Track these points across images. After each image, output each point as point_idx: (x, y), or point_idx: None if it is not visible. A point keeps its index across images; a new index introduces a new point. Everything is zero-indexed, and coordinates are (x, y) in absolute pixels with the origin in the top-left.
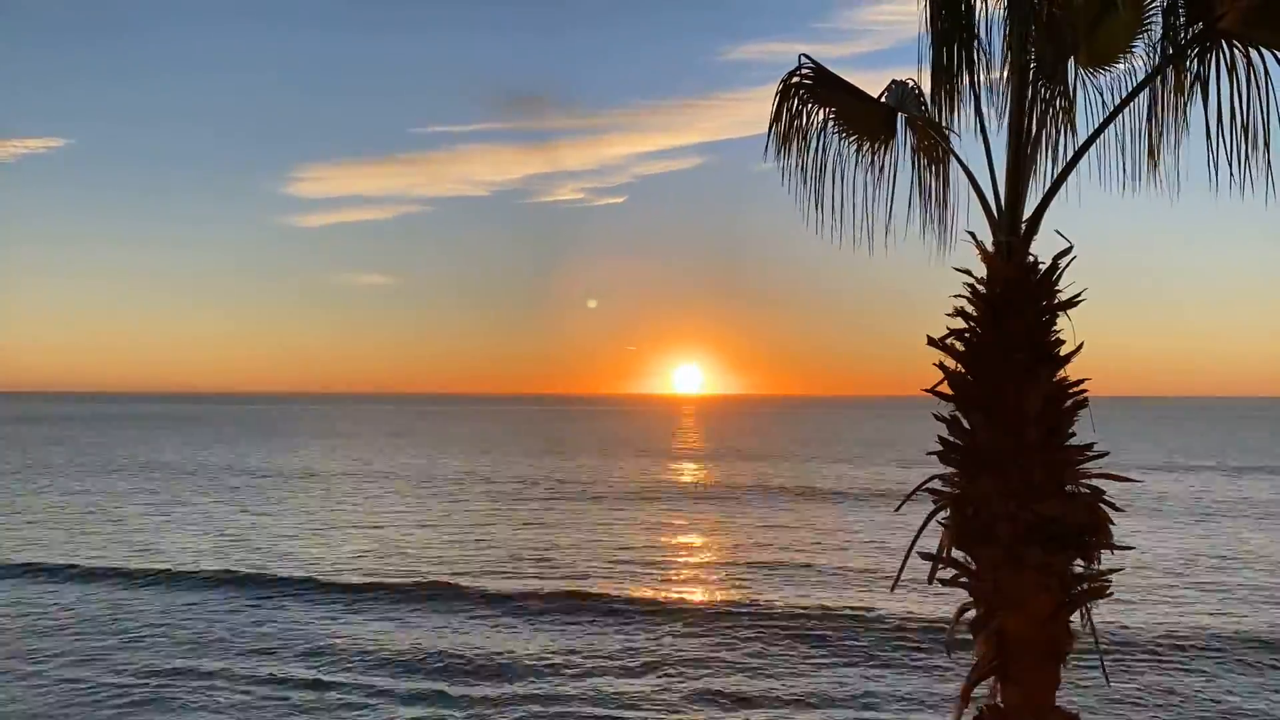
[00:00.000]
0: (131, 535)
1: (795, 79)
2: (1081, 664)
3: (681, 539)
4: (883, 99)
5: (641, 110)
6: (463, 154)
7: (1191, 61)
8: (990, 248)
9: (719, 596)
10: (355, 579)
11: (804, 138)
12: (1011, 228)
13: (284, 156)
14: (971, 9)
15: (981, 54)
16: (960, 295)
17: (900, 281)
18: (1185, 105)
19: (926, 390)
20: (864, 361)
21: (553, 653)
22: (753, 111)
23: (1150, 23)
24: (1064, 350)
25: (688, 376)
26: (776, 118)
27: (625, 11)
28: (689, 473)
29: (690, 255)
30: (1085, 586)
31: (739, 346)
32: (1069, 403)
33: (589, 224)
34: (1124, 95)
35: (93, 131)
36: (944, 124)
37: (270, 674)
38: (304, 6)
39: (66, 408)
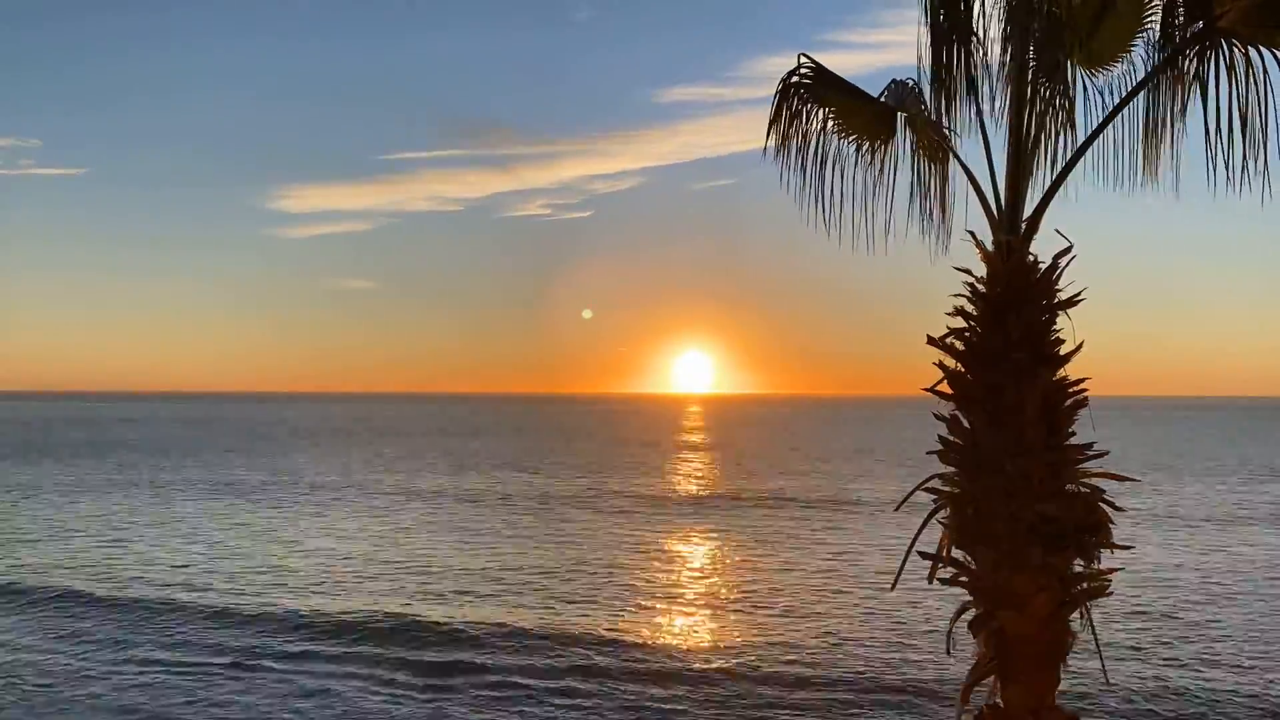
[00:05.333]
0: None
1: (795, 79)
2: (1081, 663)
3: None
4: (883, 99)
5: (589, 139)
6: (430, 176)
7: (1191, 61)
8: (990, 247)
9: None
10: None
11: (804, 137)
12: (1011, 227)
13: (262, 179)
14: (971, 8)
15: (981, 53)
16: (960, 295)
17: (901, 281)
18: (1185, 105)
19: (926, 389)
20: (851, 360)
21: None
22: (681, 141)
23: (1149, 22)
24: (1064, 350)
25: (672, 376)
26: (776, 117)
27: (569, 54)
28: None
29: (664, 260)
30: (1085, 586)
31: (723, 347)
32: (1069, 402)
33: (559, 235)
34: (1123, 95)
35: (97, 156)
36: (944, 123)
37: None
38: (262, 39)
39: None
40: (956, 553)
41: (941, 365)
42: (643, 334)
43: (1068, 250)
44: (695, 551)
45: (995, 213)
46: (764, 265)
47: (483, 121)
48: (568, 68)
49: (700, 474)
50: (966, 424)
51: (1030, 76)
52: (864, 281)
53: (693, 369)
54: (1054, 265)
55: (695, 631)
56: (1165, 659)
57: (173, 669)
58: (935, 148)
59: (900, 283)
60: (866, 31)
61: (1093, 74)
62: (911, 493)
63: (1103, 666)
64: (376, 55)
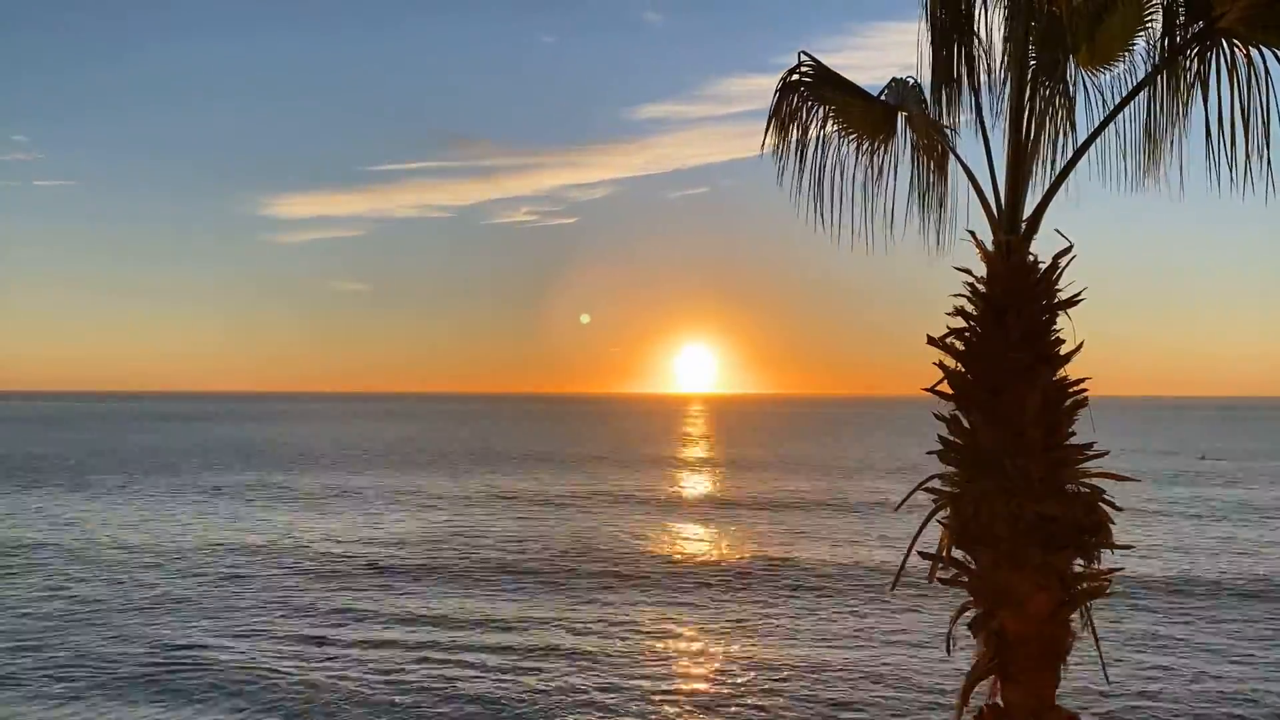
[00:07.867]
0: None
1: (795, 76)
2: (1081, 663)
3: None
4: (883, 98)
5: (564, 151)
6: (416, 185)
7: (1191, 60)
8: (990, 247)
9: None
10: None
11: (804, 135)
12: (1011, 227)
13: (254, 187)
14: (971, 8)
15: (981, 53)
16: (960, 294)
17: (901, 280)
18: (1185, 104)
19: (926, 389)
20: (849, 360)
21: None
22: (653, 154)
23: (1150, 22)
24: (1064, 350)
25: (673, 376)
26: (775, 115)
27: (538, 74)
28: None
29: (655, 262)
30: (1085, 586)
31: (722, 347)
32: (1068, 402)
33: (548, 240)
34: (1124, 95)
35: (94, 164)
36: (944, 123)
37: None
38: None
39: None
40: (956, 552)
41: (941, 365)
42: (639, 335)
43: (1068, 250)
44: None
45: (995, 213)
46: (758, 266)
47: (462, 135)
48: (538, 87)
49: None
50: (966, 424)
51: (1030, 76)
52: (863, 281)
53: (693, 369)
54: (1054, 265)
55: None
56: (1163, 658)
57: None
58: (935, 147)
59: (900, 282)
60: (825, 56)
61: (1093, 74)
62: (911, 493)
63: (1103, 666)
64: (359, 68)
